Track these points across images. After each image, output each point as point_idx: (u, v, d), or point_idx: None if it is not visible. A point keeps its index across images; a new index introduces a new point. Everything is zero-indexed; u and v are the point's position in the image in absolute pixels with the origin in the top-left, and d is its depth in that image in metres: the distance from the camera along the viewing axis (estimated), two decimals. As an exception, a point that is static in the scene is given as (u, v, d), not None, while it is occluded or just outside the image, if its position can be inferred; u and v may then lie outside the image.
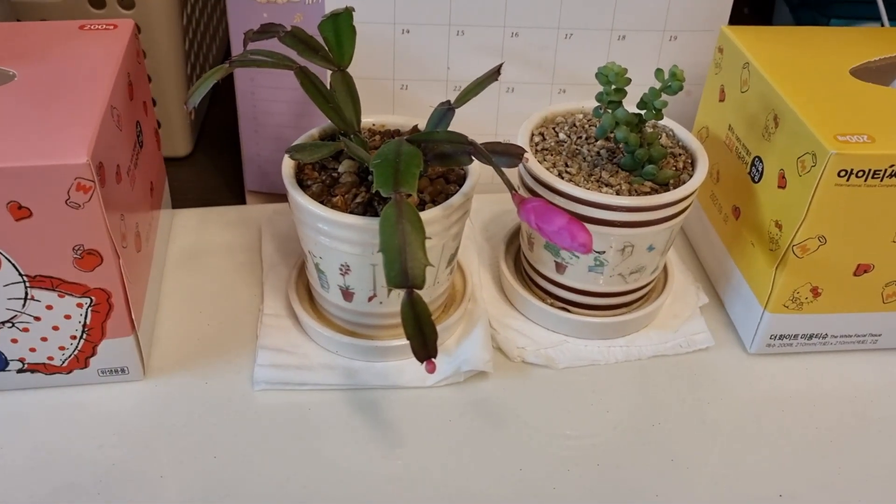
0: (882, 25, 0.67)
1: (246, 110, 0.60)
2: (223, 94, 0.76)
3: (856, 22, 0.84)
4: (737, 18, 0.89)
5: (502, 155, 0.40)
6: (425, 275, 0.37)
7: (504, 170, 0.40)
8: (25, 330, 0.43)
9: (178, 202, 0.61)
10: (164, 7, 0.60)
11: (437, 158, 0.43)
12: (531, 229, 0.49)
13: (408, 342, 0.46)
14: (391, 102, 0.60)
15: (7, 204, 0.38)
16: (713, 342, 0.51)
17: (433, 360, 0.38)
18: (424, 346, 0.37)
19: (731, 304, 0.53)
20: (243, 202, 0.64)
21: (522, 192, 0.48)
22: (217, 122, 0.74)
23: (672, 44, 0.58)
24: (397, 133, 0.50)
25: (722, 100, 0.53)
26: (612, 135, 0.46)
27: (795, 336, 0.49)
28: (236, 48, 0.56)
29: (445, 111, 0.44)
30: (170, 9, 0.61)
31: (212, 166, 0.69)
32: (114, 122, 0.43)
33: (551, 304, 0.50)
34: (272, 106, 0.59)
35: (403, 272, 0.36)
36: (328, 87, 0.46)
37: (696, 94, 0.60)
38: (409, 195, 0.38)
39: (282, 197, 0.63)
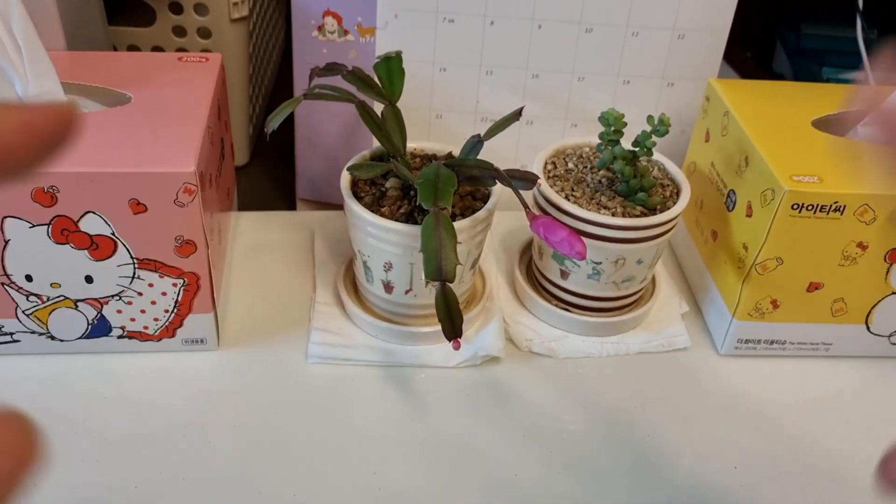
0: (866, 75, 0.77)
1: (302, 131, 0.70)
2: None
3: (845, 71, 0.94)
4: (739, 61, 0.99)
5: (520, 180, 0.50)
6: (455, 271, 0.47)
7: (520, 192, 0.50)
8: (129, 303, 0.53)
9: (238, 205, 0.71)
10: (235, 37, 0.71)
11: (468, 180, 0.53)
12: (541, 241, 0.59)
13: (435, 330, 0.56)
14: (427, 129, 0.70)
15: (129, 201, 0.48)
16: (690, 343, 0.60)
17: (458, 339, 0.48)
18: (452, 327, 0.47)
19: (707, 311, 0.62)
20: (293, 208, 0.74)
21: (535, 210, 0.58)
22: (270, 137, 0.84)
23: (669, 89, 0.68)
24: (434, 157, 0.60)
25: (707, 140, 0.63)
26: (611, 166, 0.56)
27: (759, 341, 0.59)
28: (299, 77, 0.67)
29: (476, 142, 0.54)
30: (239, 38, 0.71)
31: (265, 175, 0.79)
32: (209, 138, 0.53)
33: (556, 305, 0.60)
34: (324, 127, 0.70)
35: (439, 268, 0.46)
36: (380, 115, 0.56)
37: (689, 133, 0.70)
38: (445, 208, 0.48)
39: (328, 205, 0.73)
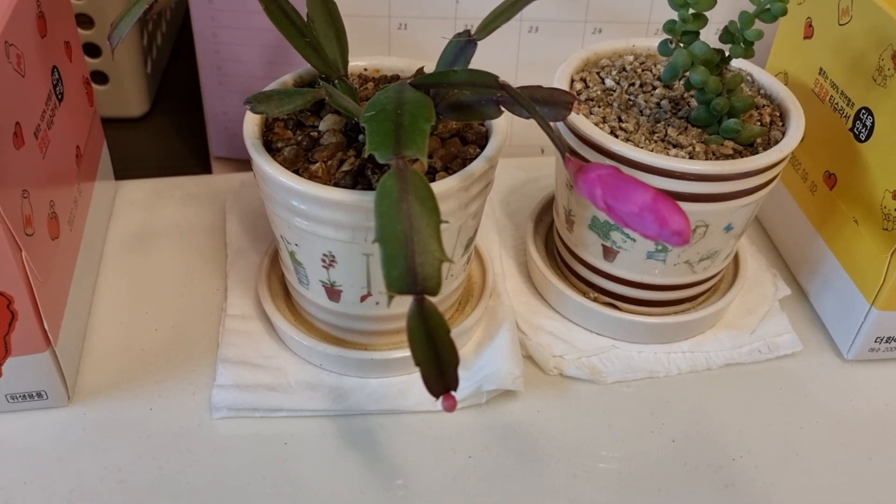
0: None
1: (207, 59, 0.49)
2: (187, 44, 0.65)
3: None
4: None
5: (544, 104, 0.29)
6: (441, 275, 0.26)
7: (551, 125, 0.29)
8: None
9: (131, 172, 0.50)
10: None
11: (453, 110, 0.31)
12: (569, 204, 0.38)
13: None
14: (386, 45, 0.49)
15: None
16: (801, 346, 0.40)
17: (453, 393, 0.27)
18: (441, 375, 0.26)
19: (819, 296, 0.42)
20: (209, 171, 0.53)
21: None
22: (180, 76, 0.63)
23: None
24: (396, 80, 0.39)
25: (808, 36, 0.42)
26: (687, 75, 0.35)
27: (905, 338, 0.39)
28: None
29: (464, 44, 0.33)
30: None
31: (173, 129, 0.58)
32: (9, 63, 0.31)
33: (595, 300, 0.40)
34: (239, 52, 0.48)
35: (410, 272, 0.25)
36: (304, 17, 0.34)
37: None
38: (416, 161, 0.27)
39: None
